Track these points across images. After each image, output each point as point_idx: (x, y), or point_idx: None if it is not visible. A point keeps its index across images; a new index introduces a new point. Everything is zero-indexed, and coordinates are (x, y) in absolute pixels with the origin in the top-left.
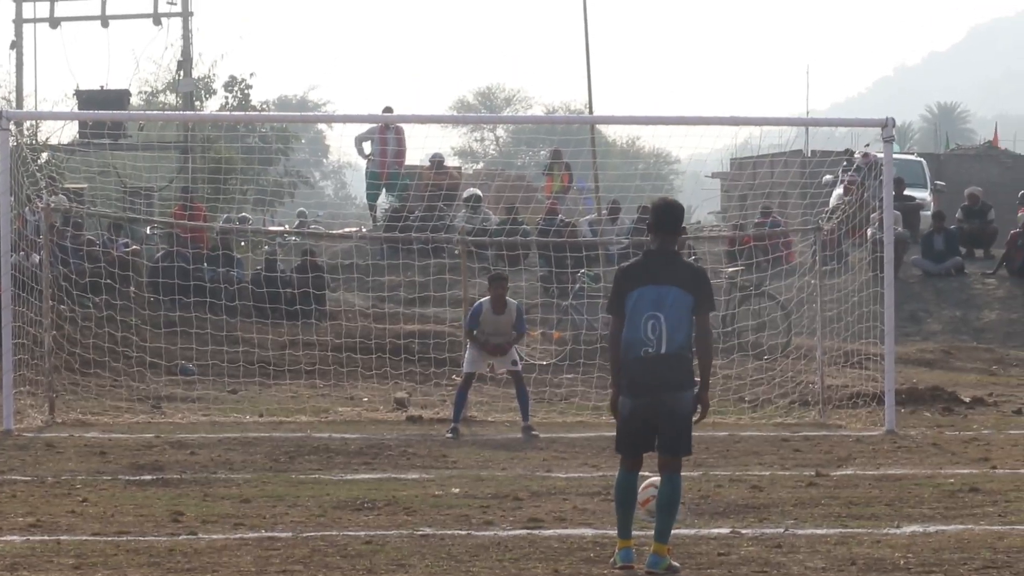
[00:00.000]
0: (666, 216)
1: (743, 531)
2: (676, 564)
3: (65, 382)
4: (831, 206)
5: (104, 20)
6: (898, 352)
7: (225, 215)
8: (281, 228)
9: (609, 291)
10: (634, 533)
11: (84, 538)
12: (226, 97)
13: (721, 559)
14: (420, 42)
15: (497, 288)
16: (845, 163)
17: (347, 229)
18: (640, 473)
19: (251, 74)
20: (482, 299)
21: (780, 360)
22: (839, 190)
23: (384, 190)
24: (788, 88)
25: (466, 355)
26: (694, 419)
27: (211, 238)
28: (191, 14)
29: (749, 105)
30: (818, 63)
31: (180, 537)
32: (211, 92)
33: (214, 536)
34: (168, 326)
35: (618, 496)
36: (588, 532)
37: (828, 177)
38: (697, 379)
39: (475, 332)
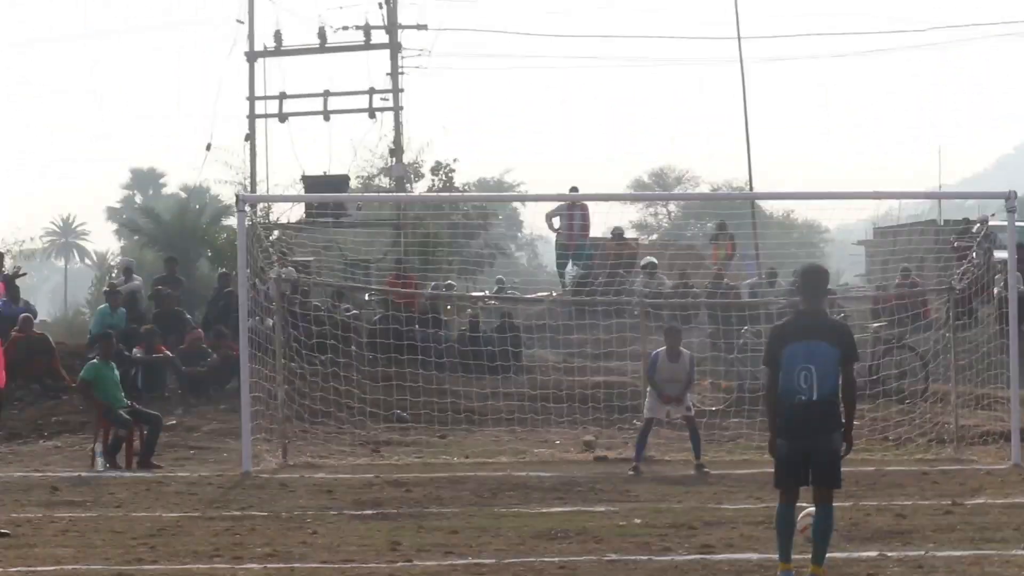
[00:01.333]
0: (812, 280)
1: (889, 554)
2: None
3: (296, 430)
4: (962, 269)
5: (326, 115)
6: (1022, 395)
7: (433, 283)
8: (482, 294)
9: (743, 345)
10: (793, 557)
11: (315, 566)
12: (433, 180)
13: None
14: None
15: (672, 339)
16: (961, 231)
17: (540, 294)
18: (797, 504)
19: (455, 159)
20: (658, 349)
21: (919, 404)
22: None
23: (571, 259)
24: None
25: (646, 403)
26: (841, 455)
27: (421, 303)
28: (401, 108)
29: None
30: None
31: (398, 564)
32: (420, 176)
33: (428, 563)
34: (385, 380)
35: (779, 525)
36: (754, 556)
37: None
38: (843, 421)
39: (654, 378)
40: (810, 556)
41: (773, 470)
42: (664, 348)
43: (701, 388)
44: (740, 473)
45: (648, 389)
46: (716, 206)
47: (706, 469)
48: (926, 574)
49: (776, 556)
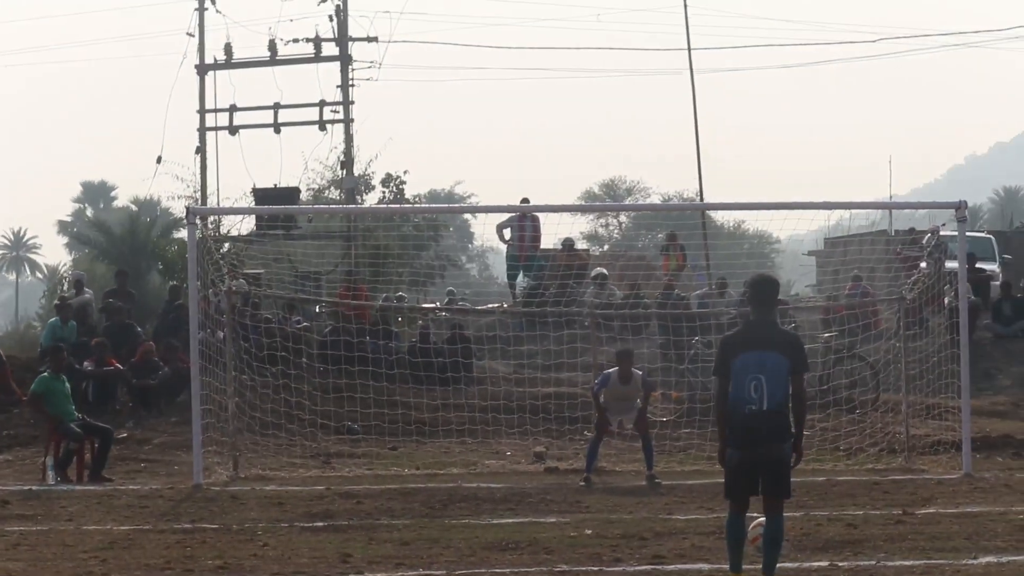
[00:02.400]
0: (763, 290)
1: (840, 563)
2: None
3: (247, 442)
4: (913, 279)
5: (277, 127)
6: (973, 405)
7: (384, 295)
8: (433, 305)
9: (693, 356)
10: (744, 567)
11: None
12: (383, 192)
13: None
14: (552, 140)
15: (624, 363)
16: (909, 242)
17: (490, 305)
18: (748, 514)
19: (405, 171)
20: (611, 370)
21: (870, 414)
22: (922, 264)
23: (522, 271)
24: (873, 176)
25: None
26: (792, 466)
27: (372, 315)
28: (352, 120)
29: (840, 190)
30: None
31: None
32: (370, 187)
33: (378, 575)
34: (336, 392)
35: (729, 535)
36: (705, 567)
37: (923, 264)
38: (793, 431)
39: (601, 396)
40: (761, 566)
41: (724, 480)
42: (616, 369)
43: (653, 399)
44: (691, 484)
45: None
46: (667, 217)
47: (658, 480)
48: None
49: (727, 566)
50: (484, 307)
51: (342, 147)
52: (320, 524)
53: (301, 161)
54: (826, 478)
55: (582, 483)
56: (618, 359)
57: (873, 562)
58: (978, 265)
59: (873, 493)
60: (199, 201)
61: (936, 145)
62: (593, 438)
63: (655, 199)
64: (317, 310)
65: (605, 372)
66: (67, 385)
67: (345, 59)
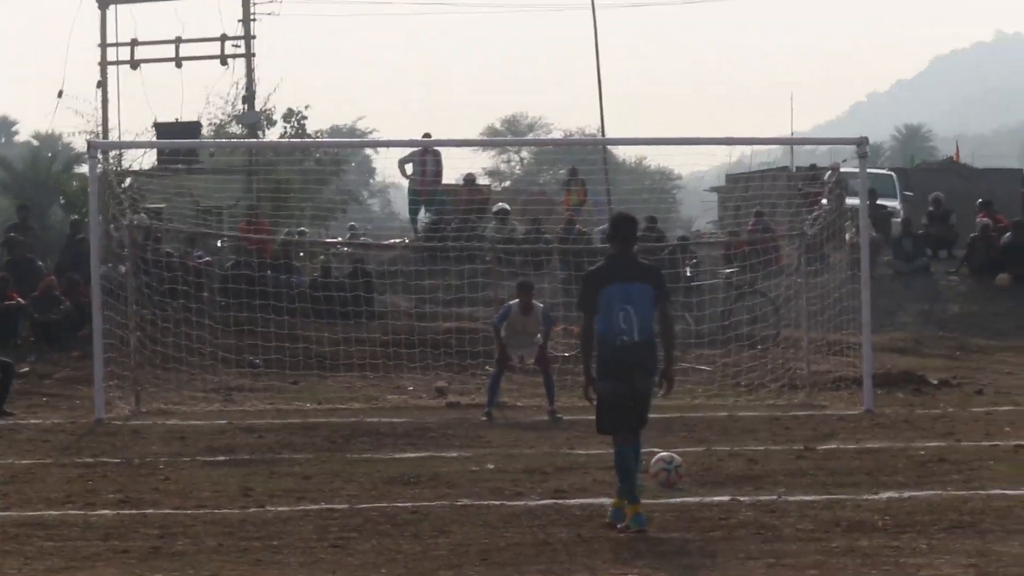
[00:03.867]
0: (623, 226)
1: (741, 498)
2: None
3: (149, 376)
4: (814, 215)
5: (178, 62)
6: (874, 341)
7: (286, 229)
8: (335, 240)
9: None
10: (645, 502)
11: (167, 511)
12: (285, 127)
13: (722, 523)
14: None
15: (524, 294)
16: (811, 178)
17: (392, 240)
18: (649, 450)
19: (306, 106)
20: (511, 302)
21: (771, 349)
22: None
23: (424, 206)
24: (775, 112)
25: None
26: (661, 393)
27: (274, 249)
28: (253, 55)
29: (741, 127)
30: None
31: (250, 510)
32: (272, 123)
33: (280, 508)
34: (237, 326)
35: (620, 465)
36: (607, 500)
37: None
38: (662, 362)
39: (502, 329)
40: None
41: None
42: (517, 301)
43: (554, 333)
44: (592, 419)
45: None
46: (568, 152)
47: (559, 415)
48: (778, 518)
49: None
50: (386, 242)
51: (243, 82)
52: (222, 458)
53: (203, 96)
54: (727, 413)
55: (484, 417)
56: (519, 290)
57: (774, 497)
58: (879, 202)
59: (774, 429)
60: (101, 135)
61: (838, 81)
62: (494, 372)
63: (557, 134)
64: (219, 244)
65: (506, 304)
66: None
67: None
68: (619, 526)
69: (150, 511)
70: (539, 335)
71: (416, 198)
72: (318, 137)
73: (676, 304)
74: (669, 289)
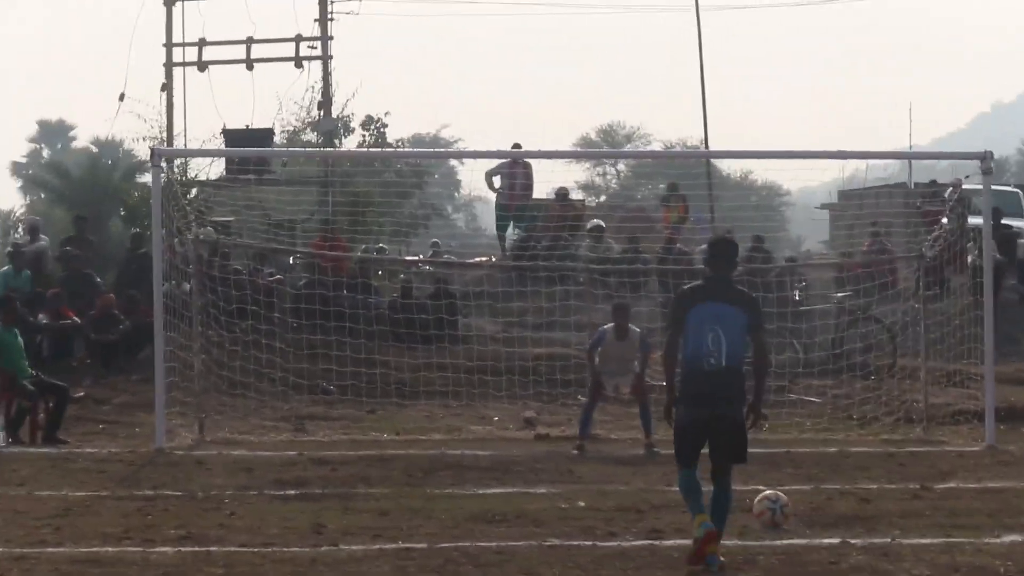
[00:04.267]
0: (721, 249)
1: (852, 541)
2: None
3: (214, 403)
4: (933, 235)
5: (249, 64)
6: (997, 372)
7: (363, 246)
8: (416, 258)
9: None
10: (748, 544)
11: (232, 549)
12: (363, 135)
13: (831, 567)
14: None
15: (620, 317)
16: (930, 195)
17: (478, 258)
18: (753, 487)
19: (386, 113)
20: (606, 326)
21: (886, 380)
22: (944, 219)
23: (512, 222)
24: (892, 124)
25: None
26: (748, 426)
27: (350, 267)
28: (331, 57)
29: (855, 140)
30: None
31: (322, 548)
32: (349, 130)
33: (354, 547)
34: (310, 350)
35: (685, 488)
36: None
37: (944, 220)
38: (747, 393)
39: (596, 355)
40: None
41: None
42: (612, 325)
43: (651, 361)
44: None
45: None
46: (668, 165)
47: (656, 448)
48: (892, 563)
49: (731, 543)
50: (471, 260)
51: (319, 86)
52: (292, 492)
53: (275, 101)
54: (838, 449)
55: (575, 451)
56: (614, 314)
57: (888, 540)
58: (1004, 221)
59: (888, 465)
60: (165, 142)
61: (961, 91)
62: (587, 402)
63: (656, 146)
64: (291, 261)
65: (600, 329)
66: (20, 339)
67: None
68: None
69: (214, 548)
70: (636, 362)
71: (504, 213)
72: (399, 147)
73: (784, 330)
74: (765, 318)
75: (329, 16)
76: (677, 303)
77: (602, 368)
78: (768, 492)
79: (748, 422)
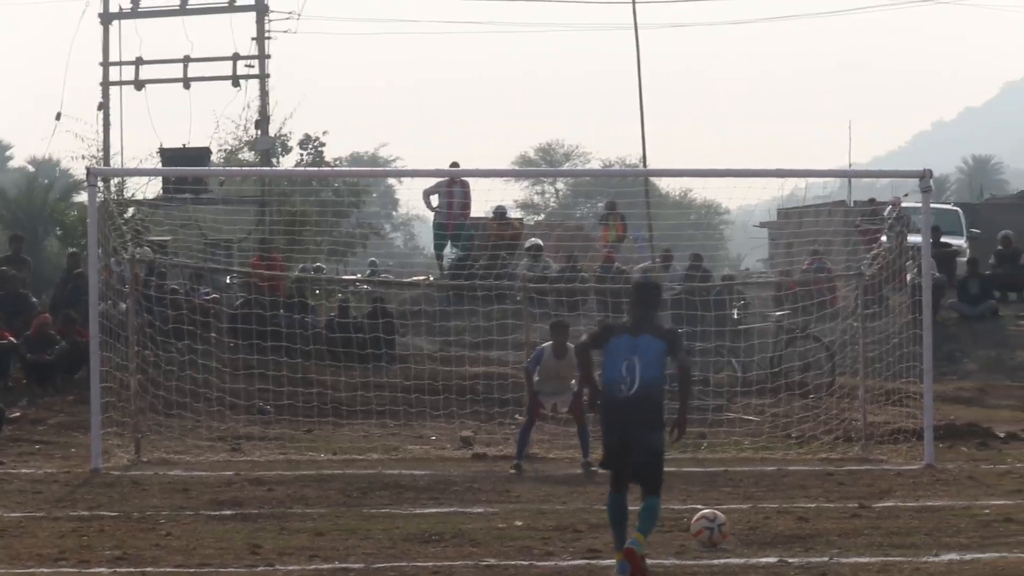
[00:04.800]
0: (644, 293)
1: (790, 560)
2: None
3: (150, 423)
4: (873, 253)
5: (186, 82)
6: (936, 390)
7: (300, 265)
8: (353, 277)
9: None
10: (683, 562)
11: (168, 570)
12: (301, 154)
13: None
14: (484, 101)
15: (558, 335)
16: (869, 213)
17: (416, 278)
18: (694, 506)
19: (324, 132)
20: (544, 344)
21: (825, 399)
22: (883, 238)
23: (450, 241)
24: (831, 142)
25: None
26: (672, 440)
27: (287, 287)
28: (268, 76)
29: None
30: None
31: (258, 569)
32: (287, 149)
33: (290, 567)
34: (247, 369)
35: (610, 514)
36: (647, 561)
37: (883, 238)
38: (663, 419)
39: (535, 374)
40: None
41: (668, 468)
42: (550, 343)
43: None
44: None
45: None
46: (607, 184)
47: (594, 468)
48: None
49: (669, 562)
50: (409, 280)
51: (257, 105)
52: (228, 512)
53: (212, 120)
54: (776, 467)
55: (512, 470)
56: (552, 332)
57: (826, 559)
58: (943, 239)
59: (827, 484)
60: (101, 161)
61: (900, 110)
62: (524, 422)
63: (595, 165)
64: (228, 281)
65: (539, 347)
66: None
67: (261, 9)
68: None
69: (150, 569)
70: (574, 381)
71: (442, 232)
72: (337, 165)
73: (723, 348)
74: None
75: (266, 35)
76: (603, 328)
77: (540, 387)
78: (706, 511)
79: (673, 436)
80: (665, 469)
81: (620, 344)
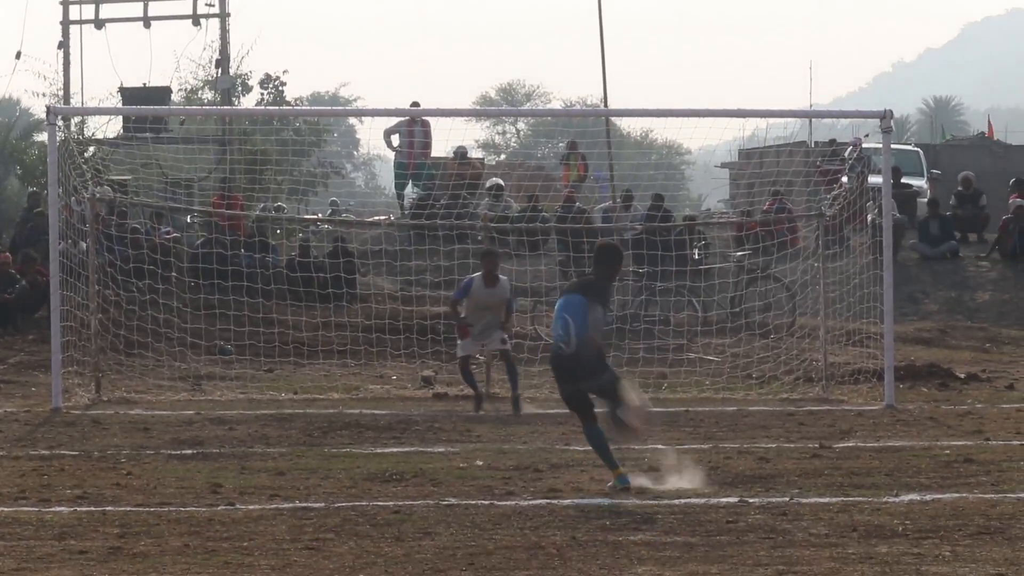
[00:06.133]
0: (601, 257)
1: (750, 500)
2: None
3: (111, 362)
4: (833, 194)
5: (146, 21)
6: (897, 331)
7: (261, 204)
8: (314, 216)
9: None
10: (646, 502)
11: (128, 509)
12: (262, 93)
13: (730, 526)
14: (445, 40)
15: (488, 263)
16: (830, 154)
17: (377, 217)
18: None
19: (284, 71)
20: (474, 274)
21: (785, 339)
22: (843, 178)
23: (411, 180)
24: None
25: (458, 342)
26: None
27: (248, 226)
28: (228, 15)
29: (756, 99)
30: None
31: (219, 508)
32: (247, 88)
33: (251, 507)
34: (207, 309)
35: (592, 443)
36: (604, 501)
37: (844, 179)
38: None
39: (464, 303)
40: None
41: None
42: (480, 273)
43: (549, 320)
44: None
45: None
46: (568, 124)
47: (520, 408)
48: (790, 521)
49: (630, 501)
50: (369, 219)
51: (217, 44)
52: (189, 452)
53: (172, 59)
54: (737, 408)
55: (479, 411)
56: (482, 260)
57: (786, 499)
58: (904, 180)
59: (787, 424)
60: (61, 100)
61: (861, 50)
62: (460, 366)
63: (556, 104)
64: (188, 220)
65: (468, 277)
66: None
67: None
68: (608, 486)
69: (110, 508)
70: (503, 336)
71: (403, 172)
72: (297, 105)
73: (683, 289)
74: (607, 299)
75: None
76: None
77: (470, 319)
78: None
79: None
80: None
81: (560, 304)
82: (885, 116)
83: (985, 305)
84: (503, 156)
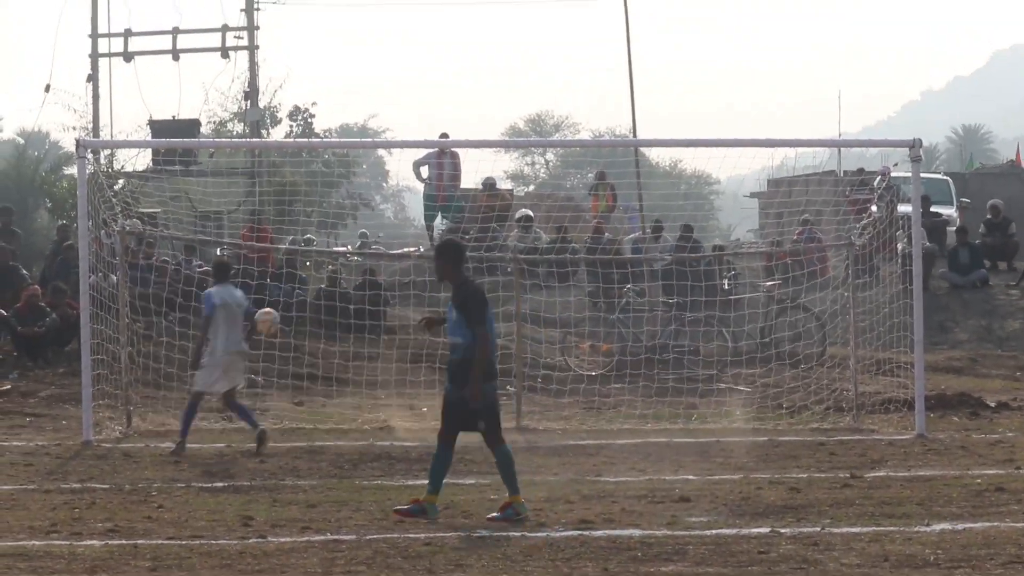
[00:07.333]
0: (448, 251)
1: (782, 530)
2: None
3: (141, 395)
4: (863, 223)
5: (175, 54)
6: (927, 360)
7: (291, 237)
8: (343, 248)
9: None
10: (677, 534)
11: (160, 542)
12: (291, 125)
13: (761, 557)
14: (474, 72)
15: (220, 275)
16: (858, 183)
17: (406, 249)
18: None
19: (313, 103)
20: (211, 288)
21: (816, 368)
22: (873, 208)
23: (440, 212)
24: (821, 112)
25: (199, 373)
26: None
27: (277, 258)
28: (257, 47)
29: (785, 128)
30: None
31: (250, 540)
32: (276, 121)
33: (282, 539)
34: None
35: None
36: (636, 532)
37: (873, 208)
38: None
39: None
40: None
41: (659, 440)
42: (217, 287)
43: (580, 351)
44: (621, 443)
45: (207, 355)
46: (597, 154)
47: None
48: (822, 551)
49: (660, 532)
50: (399, 251)
51: (246, 76)
52: (220, 484)
53: (201, 91)
54: (767, 438)
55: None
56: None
57: (818, 529)
58: (933, 209)
59: (818, 455)
60: (91, 133)
61: (890, 79)
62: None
63: (585, 135)
64: (218, 252)
65: (207, 292)
66: None
67: None
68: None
69: (141, 541)
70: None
71: (432, 203)
72: (326, 137)
73: (713, 319)
74: (479, 314)
75: (255, 5)
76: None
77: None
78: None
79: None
80: (654, 440)
81: (449, 312)
82: (914, 145)
83: (1015, 333)
84: (532, 187)
